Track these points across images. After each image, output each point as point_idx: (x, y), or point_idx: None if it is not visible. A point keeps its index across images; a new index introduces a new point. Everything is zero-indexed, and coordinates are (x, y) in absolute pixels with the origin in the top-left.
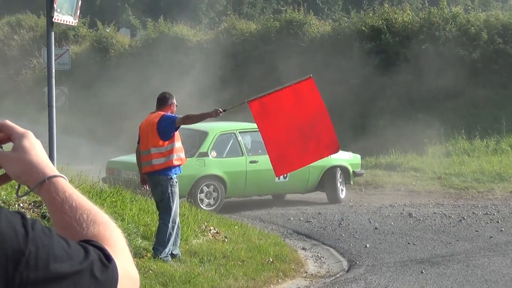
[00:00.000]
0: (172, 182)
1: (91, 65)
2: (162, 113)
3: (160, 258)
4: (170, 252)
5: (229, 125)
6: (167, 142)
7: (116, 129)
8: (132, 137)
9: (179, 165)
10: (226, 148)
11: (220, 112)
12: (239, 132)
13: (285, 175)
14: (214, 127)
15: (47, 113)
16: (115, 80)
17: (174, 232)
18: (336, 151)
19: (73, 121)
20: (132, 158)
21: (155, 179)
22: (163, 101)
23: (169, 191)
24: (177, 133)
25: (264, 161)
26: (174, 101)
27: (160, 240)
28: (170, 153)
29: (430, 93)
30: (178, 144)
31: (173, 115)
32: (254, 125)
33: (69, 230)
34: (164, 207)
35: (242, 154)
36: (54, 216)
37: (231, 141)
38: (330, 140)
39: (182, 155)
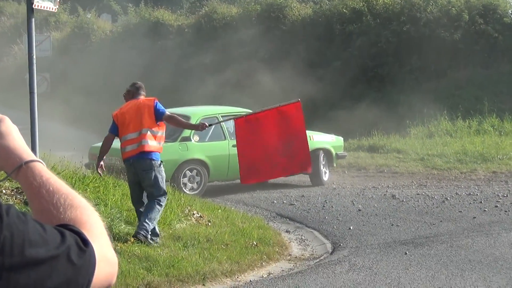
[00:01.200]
0: (161, 166)
1: (72, 51)
2: (155, 98)
3: (143, 231)
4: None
5: (212, 109)
6: (162, 128)
7: (99, 115)
8: None
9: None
10: (209, 132)
11: (206, 126)
12: (222, 116)
13: None
14: (196, 111)
15: (28, 100)
16: (97, 66)
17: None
18: (307, 171)
19: (55, 107)
20: (114, 143)
21: (148, 163)
22: (142, 89)
23: (161, 175)
24: None
25: None
26: None
27: (152, 217)
28: (161, 140)
29: (411, 74)
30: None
31: (164, 108)
32: (236, 109)
33: (46, 215)
34: (158, 190)
35: (225, 138)
36: (31, 201)
37: (214, 125)
38: (303, 159)
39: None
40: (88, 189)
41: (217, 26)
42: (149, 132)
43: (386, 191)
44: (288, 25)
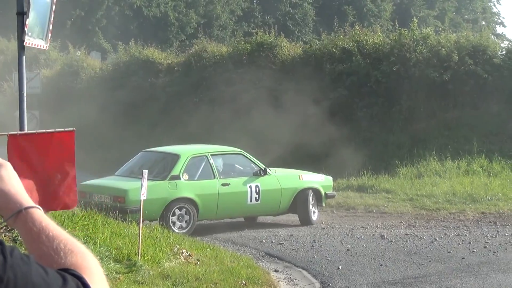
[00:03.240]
0: None
1: (62, 88)
2: None
3: None
4: None
5: (201, 148)
6: None
7: (89, 152)
8: (104, 161)
9: None
10: (198, 171)
11: None
12: (211, 155)
13: (256, 197)
14: (185, 150)
15: None
16: (86, 103)
17: None
18: (71, 207)
19: None
20: (103, 181)
21: None
22: None
23: None
24: None
25: (236, 183)
26: None
27: None
28: None
29: (401, 114)
30: None
31: None
32: (226, 148)
33: (46, 260)
34: None
35: (214, 177)
36: (30, 246)
37: (203, 164)
38: (69, 192)
39: None
40: (77, 227)
41: (207, 64)
42: None
43: (375, 231)
44: (278, 64)
